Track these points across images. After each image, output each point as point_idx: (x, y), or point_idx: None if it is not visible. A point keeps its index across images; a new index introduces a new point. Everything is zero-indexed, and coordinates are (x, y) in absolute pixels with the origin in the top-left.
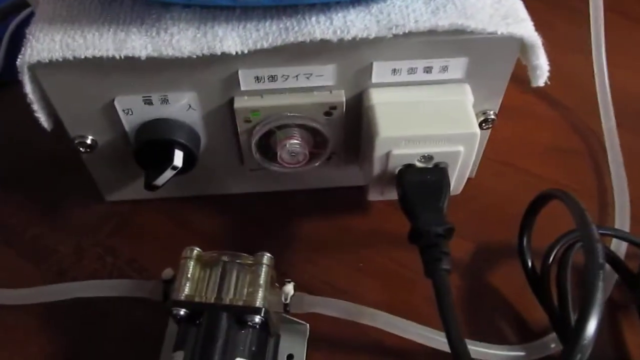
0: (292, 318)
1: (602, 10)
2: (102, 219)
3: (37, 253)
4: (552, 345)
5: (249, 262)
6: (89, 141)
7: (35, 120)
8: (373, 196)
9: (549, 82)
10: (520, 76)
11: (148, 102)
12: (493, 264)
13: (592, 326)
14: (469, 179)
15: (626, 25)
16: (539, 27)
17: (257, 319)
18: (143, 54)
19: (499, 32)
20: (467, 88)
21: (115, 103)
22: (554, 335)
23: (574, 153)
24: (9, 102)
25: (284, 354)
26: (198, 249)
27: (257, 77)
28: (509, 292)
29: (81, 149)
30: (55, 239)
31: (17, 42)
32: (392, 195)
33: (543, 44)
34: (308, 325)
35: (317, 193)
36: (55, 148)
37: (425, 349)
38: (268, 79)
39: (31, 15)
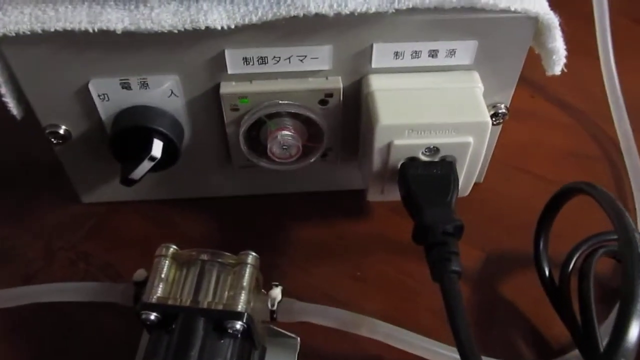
0: (280, 330)
1: (608, 12)
2: (76, 222)
3: (2, 256)
4: None
5: (232, 261)
6: (62, 131)
7: (4, 115)
8: (373, 196)
9: (565, 70)
10: (529, 78)
11: (126, 86)
12: (506, 274)
13: (634, 333)
14: (477, 184)
15: (635, 27)
16: None
17: (239, 325)
18: (119, 27)
19: (512, 8)
20: (477, 76)
21: (90, 86)
22: (576, 352)
23: (590, 158)
24: None
25: None
26: (174, 246)
27: (246, 59)
28: (524, 304)
29: (53, 140)
30: (23, 242)
31: None
32: (394, 195)
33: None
34: (298, 339)
35: (311, 197)
36: (26, 145)
37: None
38: (257, 60)
39: None
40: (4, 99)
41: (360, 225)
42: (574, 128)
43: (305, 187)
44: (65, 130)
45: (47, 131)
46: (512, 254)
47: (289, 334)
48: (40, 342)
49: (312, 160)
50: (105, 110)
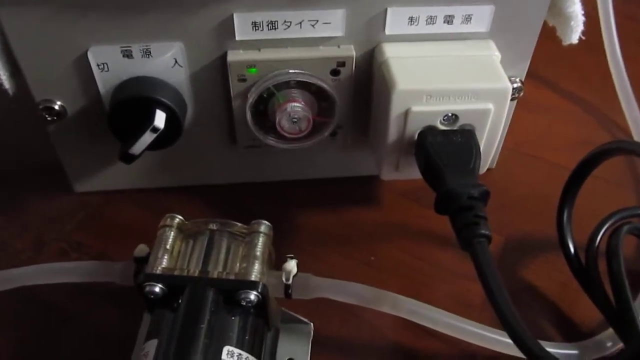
0: (293, 314)
1: (612, 9)
2: (68, 212)
3: None
4: (609, 344)
5: (243, 231)
6: (56, 107)
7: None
8: (387, 173)
9: (583, 37)
10: (538, 72)
11: (127, 54)
12: (527, 258)
13: None
14: (490, 170)
15: (628, 24)
16: (548, 31)
17: (253, 295)
18: None
19: None
20: (493, 44)
21: (89, 54)
22: (609, 332)
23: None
24: None
25: (284, 357)
26: (180, 217)
27: (255, 23)
28: (547, 287)
29: (47, 116)
30: (11, 232)
31: None
32: (409, 171)
33: (559, 49)
34: (312, 324)
35: (319, 184)
36: (18, 138)
37: (451, 350)
38: (267, 25)
39: None
40: None
41: (371, 212)
42: (585, 118)
43: (312, 174)
44: (60, 106)
45: (40, 107)
46: (530, 238)
47: (302, 318)
48: (29, 337)
49: (325, 135)
50: (104, 82)
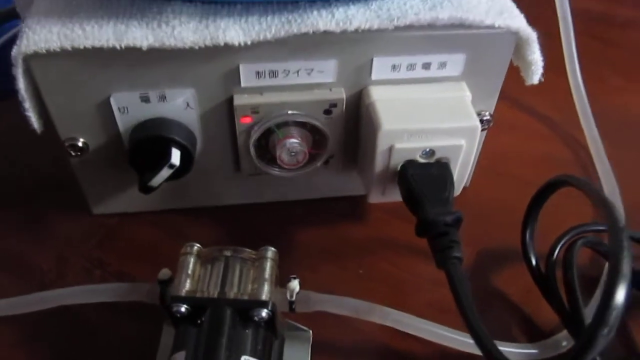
0: (294, 324)
1: (572, 30)
2: (88, 232)
3: (17, 267)
4: (564, 343)
5: (252, 256)
6: (80, 144)
7: (16, 132)
8: (374, 197)
9: (542, 79)
10: (508, 92)
11: (145, 99)
12: (495, 268)
13: (620, 295)
14: (465, 188)
15: (597, 47)
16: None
17: (264, 313)
18: (145, 44)
19: (496, 25)
20: (465, 85)
21: (111, 100)
22: (565, 333)
23: (564, 162)
24: None
25: None
26: (198, 244)
27: (258, 73)
28: (514, 293)
29: (72, 152)
30: (38, 252)
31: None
32: (394, 195)
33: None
34: (311, 331)
35: (314, 203)
36: (37, 160)
37: (434, 352)
38: (269, 74)
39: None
40: (27, 113)
41: (359, 228)
42: (549, 136)
43: (307, 195)
44: (84, 143)
45: (66, 144)
46: (500, 249)
47: (302, 327)
48: (58, 347)
49: (317, 165)
50: (123, 122)
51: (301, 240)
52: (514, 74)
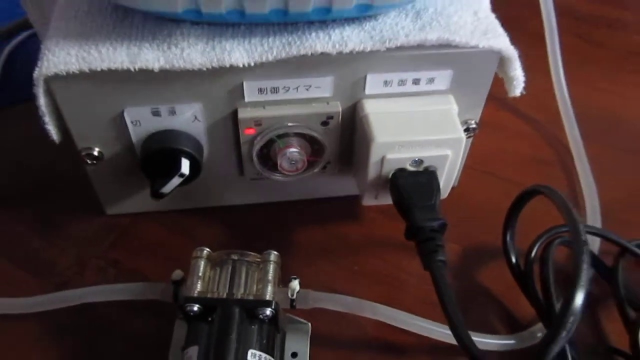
0: (295, 318)
1: (557, 31)
2: (102, 232)
3: (38, 266)
4: (539, 335)
5: (257, 260)
6: (95, 153)
7: (33, 138)
8: (367, 201)
9: (524, 92)
10: (495, 94)
11: (156, 113)
12: (480, 264)
13: (579, 301)
14: (453, 187)
15: (584, 47)
16: None
17: (268, 311)
18: (156, 66)
19: (480, 46)
20: (452, 98)
21: (125, 114)
22: (540, 325)
23: (547, 162)
24: (6, 125)
25: (288, 352)
26: (208, 249)
27: (261, 89)
28: (496, 288)
29: (88, 160)
30: (55, 252)
31: (8, 71)
32: (386, 199)
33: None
34: (310, 324)
35: (312, 203)
36: (52, 165)
37: (422, 343)
38: (270, 90)
39: (28, 39)
40: (46, 126)
41: (354, 227)
42: (533, 136)
43: (305, 195)
44: (99, 152)
45: (82, 153)
46: (484, 246)
47: (302, 320)
48: (79, 340)
49: (315, 171)
50: (136, 134)
51: (299, 238)
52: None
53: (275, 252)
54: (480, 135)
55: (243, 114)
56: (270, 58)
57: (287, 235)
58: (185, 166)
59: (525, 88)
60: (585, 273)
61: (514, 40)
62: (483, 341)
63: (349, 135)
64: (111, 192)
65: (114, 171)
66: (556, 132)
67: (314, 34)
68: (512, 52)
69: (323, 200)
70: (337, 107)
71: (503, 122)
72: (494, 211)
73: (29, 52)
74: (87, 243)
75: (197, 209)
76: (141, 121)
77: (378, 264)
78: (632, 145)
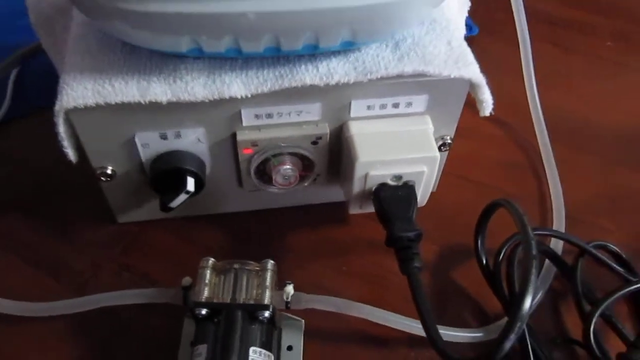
0: (290, 315)
1: (529, 38)
2: (114, 238)
3: (57, 270)
4: None
5: (256, 268)
6: (109, 171)
7: (48, 151)
8: (353, 210)
9: (493, 113)
10: (471, 101)
11: (164, 137)
12: (456, 263)
13: (528, 302)
14: (432, 192)
15: (557, 52)
16: (481, 55)
17: (267, 313)
18: (164, 99)
19: (452, 75)
20: (428, 119)
21: (136, 139)
22: (506, 319)
23: (518, 166)
24: (21, 135)
25: (284, 346)
26: (213, 259)
27: (257, 115)
28: (469, 285)
29: (102, 178)
30: (73, 257)
31: (22, 81)
32: (369, 208)
33: (487, 73)
34: (303, 321)
35: (304, 209)
36: (67, 176)
37: (401, 336)
38: (266, 116)
39: (36, 57)
40: (65, 149)
41: (342, 230)
42: (505, 140)
43: (298, 202)
44: (112, 170)
45: (97, 172)
46: (459, 247)
47: (296, 317)
48: (98, 338)
49: (306, 184)
50: (145, 155)
51: (292, 241)
52: None
53: (272, 261)
54: (456, 140)
55: (241, 136)
56: (265, 90)
57: (281, 239)
58: (190, 184)
59: (500, 93)
60: (532, 283)
61: (492, 43)
62: (455, 334)
63: (336, 152)
64: (122, 204)
65: (125, 186)
66: (528, 137)
67: (303, 67)
68: (480, 79)
69: (313, 206)
70: (325, 129)
71: (478, 127)
72: (468, 214)
73: (41, 63)
74: (101, 249)
75: (201, 216)
76: (150, 144)
77: (364, 265)
78: (599, 149)
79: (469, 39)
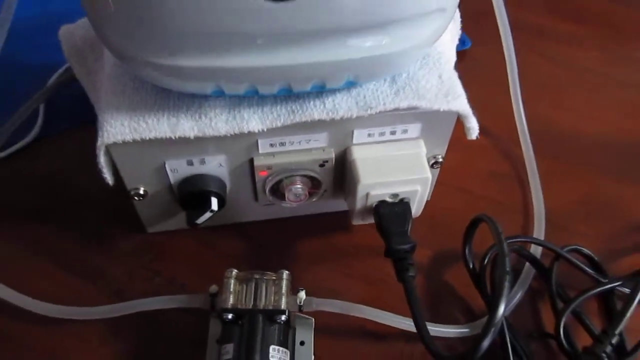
0: (302, 315)
1: (514, 51)
2: (145, 247)
3: (96, 277)
4: None
5: (274, 277)
6: (141, 191)
7: (82, 168)
8: (356, 222)
9: (478, 137)
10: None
11: (190, 163)
12: (447, 266)
13: (501, 310)
14: (427, 201)
15: (543, 63)
16: (473, 67)
17: (283, 317)
18: (192, 134)
19: (441, 109)
20: (422, 142)
21: (166, 165)
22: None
23: (505, 175)
24: (54, 152)
25: (297, 341)
26: (236, 270)
27: (271, 144)
28: (459, 286)
29: (135, 197)
30: (109, 265)
31: (53, 102)
32: (370, 220)
33: (477, 84)
34: (313, 319)
35: (312, 218)
36: (100, 192)
37: (397, 332)
38: (279, 144)
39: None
40: (103, 174)
41: (346, 237)
42: (493, 151)
43: (307, 212)
44: (144, 191)
45: (131, 192)
46: (451, 251)
47: (307, 316)
48: (133, 338)
49: (314, 199)
50: (174, 178)
51: (301, 246)
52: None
53: (287, 272)
54: (448, 151)
55: (258, 161)
56: (279, 125)
57: (292, 245)
58: (214, 204)
59: (489, 105)
60: (505, 295)
61: (483, 54)
62: (444, 330)
63: (340, 171)
64: (152, 217)
65: (155, 203)
66: (514, 147)
67: (312, 103)
68: (467, 111)
69: (321, 215)
70: (331, 154)
71: (466, 138)
72: (459, 221)
73: (71, 86)
74: (133, 256)
75: (221, 225)
76: (178, 169)
77: (366, 268)
78: (581, 159)
79: (462, 52)
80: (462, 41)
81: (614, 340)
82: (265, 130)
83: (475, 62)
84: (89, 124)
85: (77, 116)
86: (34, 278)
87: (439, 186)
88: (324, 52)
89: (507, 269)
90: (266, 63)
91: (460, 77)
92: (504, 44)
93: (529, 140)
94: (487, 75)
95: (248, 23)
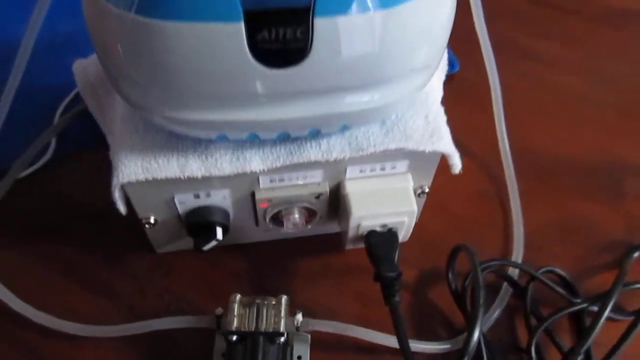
0: (298, 332)
1: (497, 73)
2: (154, 266)
3: (110, 294)
4: None
5: (273, 302)
6: (152, 220)
7: (94, 190)
8: (348, 247)
9: (461, 172)
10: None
11: (197, 196)
12: (431, 285)
13: (475, 336)
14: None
15: (526, 85)
16: (460, 89)
17: (282, 338)
18: (199, 174)
19: (427, 151)
20: (409, 176)
21: (175, 199)
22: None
23: (488, 196)
24: (67, 174)
25: (295, 356)
26: (240, 295)
27: (271, 179)
28: (443, 305)
29: (146, 225)
30: (122, 282)
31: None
32: (361, 245)
33: (463, 106)
34: (309, 335)
35: (308, 239)
36: (109, 210)
37: (385, 348)
38: (278, 180)
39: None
40: (117, 206)
41: (340, 257)
42: (478, 172)
43: (304, 234)
44: (154, 219)
45: (142, 220)
46: (435, 270)
47: (303, 333)
48: (146, 352)
49: (310, 227)
50: (182, 209)
51: (298, 265)
52: (451, 114)
53: (286, 297)
54: (435, 175)
55: (259, 195)
56: (279, 165)
57: (290, 264)
58: (219, 233)
59: (474, 126)
60: (479, 322)
61: (471, 76)
62: (427, 347)
63: (334, 202)
64: (161, 240)
65: (164, 230)
66: (497, 169)
67: (308, 145)
68: (451, 150)
69: (317, 237)
70: (325, 187)
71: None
72: (444, 242)
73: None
74: (145, 275)
75: (226, 246)
76: (186, 202)
77: (358, 286)
78: (558, 180)
79: (450, 76)
80: (451, 64)
81: (580, 359)
82: (265, 170)
83: (462, 84)
84: (101, 146)
85: (90, 136)
86: (49, 293)
87: (426, 208)
88: (322, 107)
89: (481, 301)
90: (267, 117)
91: (448, 100)
92: (487, 69)
93: (510, 162)
94: (474, 97)
95: (252, 86)
